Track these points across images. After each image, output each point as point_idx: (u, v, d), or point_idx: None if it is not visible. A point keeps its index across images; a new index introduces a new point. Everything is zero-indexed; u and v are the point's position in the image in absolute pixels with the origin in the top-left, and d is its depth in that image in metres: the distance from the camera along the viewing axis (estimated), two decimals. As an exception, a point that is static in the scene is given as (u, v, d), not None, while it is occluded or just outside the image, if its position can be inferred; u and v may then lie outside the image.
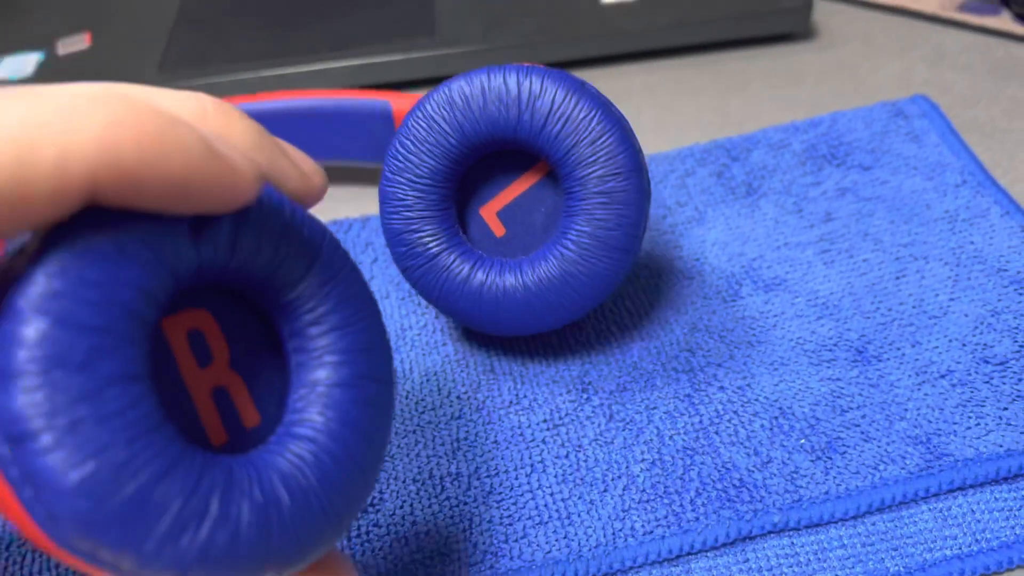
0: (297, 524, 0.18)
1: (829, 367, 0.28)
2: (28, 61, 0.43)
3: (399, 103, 0.34)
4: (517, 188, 0.27)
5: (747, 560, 0.25)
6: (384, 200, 0.26)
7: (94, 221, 0.16)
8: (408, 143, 0.26)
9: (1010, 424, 0.26)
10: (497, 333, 0.27)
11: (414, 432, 0.28)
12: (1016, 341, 0.28)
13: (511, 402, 0.29)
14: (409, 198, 0.26)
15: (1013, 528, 0.24)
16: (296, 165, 0.20)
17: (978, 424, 0.26)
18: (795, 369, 0.28)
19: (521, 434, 0.28)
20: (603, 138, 0.24)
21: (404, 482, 0.27)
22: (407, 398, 0.29)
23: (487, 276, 0.26)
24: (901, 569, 0.24)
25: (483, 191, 0.28)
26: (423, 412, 0.29)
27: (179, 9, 0.45)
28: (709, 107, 0.40)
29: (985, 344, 0.28)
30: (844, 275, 0.31)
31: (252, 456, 0.18)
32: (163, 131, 0.15)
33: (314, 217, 0.20)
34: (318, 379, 0.19)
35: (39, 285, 0.15)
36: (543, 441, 0.27)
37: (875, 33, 0.43)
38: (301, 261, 0.19)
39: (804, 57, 0.42)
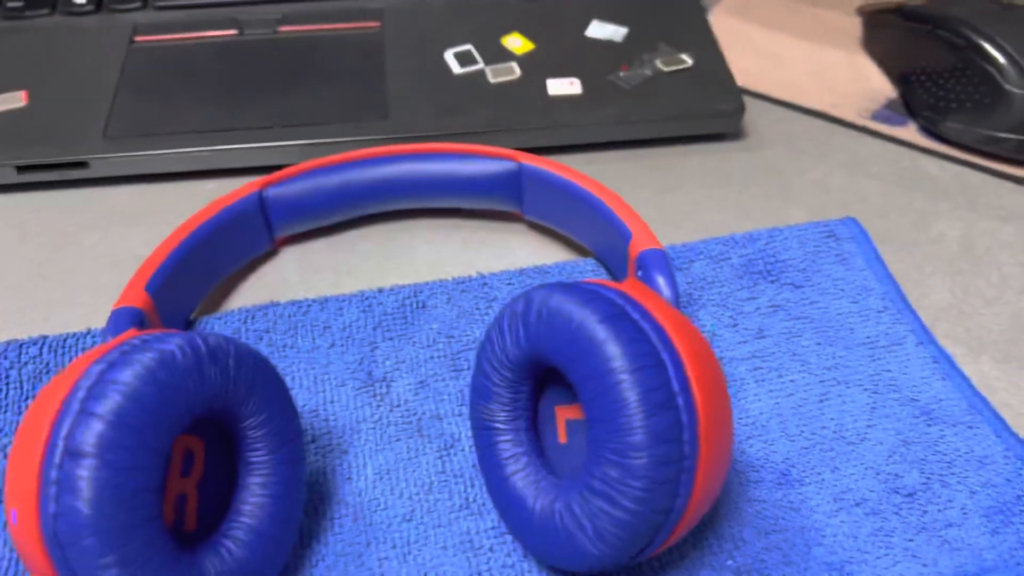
0: None
1: (756, 488, 0.31)
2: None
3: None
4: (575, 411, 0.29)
5: None
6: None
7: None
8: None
9: (915, 556, 0.29)
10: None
11: (365, 532, 0.30)
12: (923, 472, 0.31)
13: (461, 506, 0.30)
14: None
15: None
16: None
17: (887, 554, 0.29)
18: (725, 488, 0.31)
19: (470, 540, 0.29)
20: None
21: (356, 586, 0.28)
22: (360, 496, 0.30)
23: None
24: None
25: (562, 394, 0.29)
26: (375, 511, 0.30)
27: (120, 74, 0.44)
28: (648, 202, 0.42)
29: (896, 474, 0.31)
30: (773, 395, 0.34)
31: (197, 550, 0.25)
32: None
33: (262, 358, 0.27)
34: (253, 485, 0.27)
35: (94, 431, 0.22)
36: (490, 549, 0.29)
37: (798, 136, 0.46)
38: (256, 398, 0.26)
39: (734, 156, 0.44)
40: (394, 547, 0.29)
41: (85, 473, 0.22)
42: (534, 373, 0.28)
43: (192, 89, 0.44)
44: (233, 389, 0.25)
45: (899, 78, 0.47)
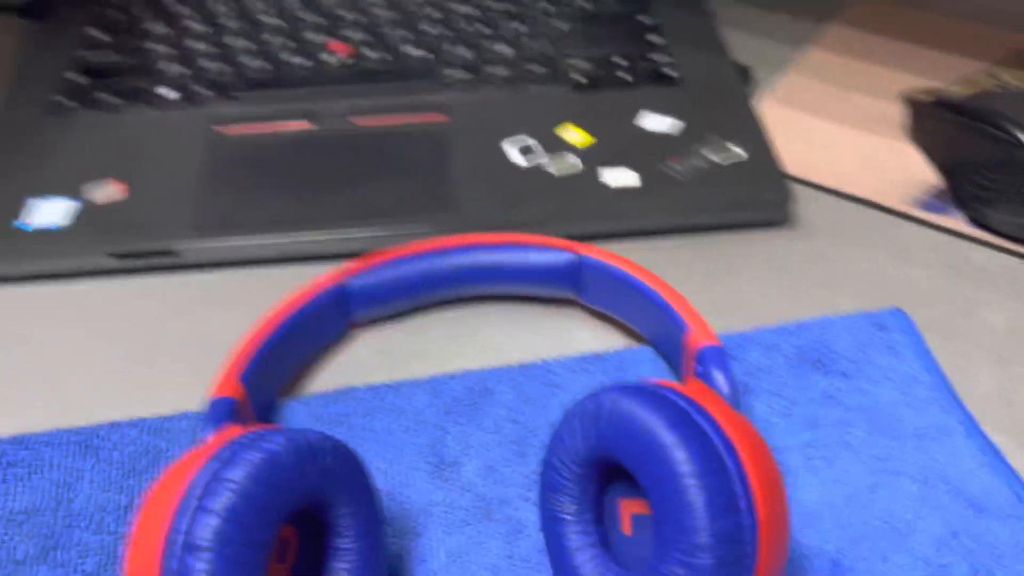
0: None
1: (810, 578, 0.32)
2: (59, 207, 0.45)
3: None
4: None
5: None
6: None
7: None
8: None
9: (965, 648, 0.30)
10: None
11: (441, 614, 0.32)
12: (972, 565, 0.32)
13: (529, 590, 0.32)
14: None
15: None
16: None
17: (937, 646, 0.30)
18: (780, 578, 0.32)
19: (538, 625, 0.31)
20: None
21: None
22: (435, 579, 0.33)
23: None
24: None
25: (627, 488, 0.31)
26: (449, 594, 0.32)
27: (198, 169, 0.47)
28: (700, 289, 0.44)
29: (944, 565, 0.32)
30: (825, 484, 0.35)
31: None
32: None
33: (351, 452, 0.29)
34: (340, 571, 0.29)
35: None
36: (558, 634, 0.31)
37: (846, 224, 0.47)
38: (346, 490, 0.29)
39: (784, 244, 0.46)
40: (467, 629, 0.31)
41: (202, 566, 0.24)
42: (601, 470, 0.30)
43: (271, 180, 0.47)
44: (328, 483, 0.28)
45: (945, 167, 0.49)
